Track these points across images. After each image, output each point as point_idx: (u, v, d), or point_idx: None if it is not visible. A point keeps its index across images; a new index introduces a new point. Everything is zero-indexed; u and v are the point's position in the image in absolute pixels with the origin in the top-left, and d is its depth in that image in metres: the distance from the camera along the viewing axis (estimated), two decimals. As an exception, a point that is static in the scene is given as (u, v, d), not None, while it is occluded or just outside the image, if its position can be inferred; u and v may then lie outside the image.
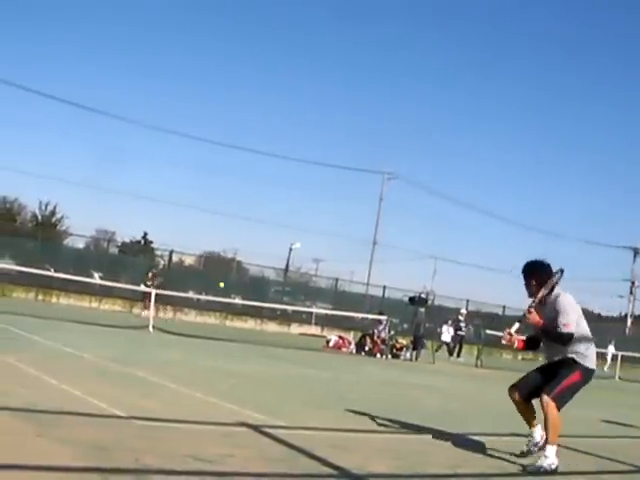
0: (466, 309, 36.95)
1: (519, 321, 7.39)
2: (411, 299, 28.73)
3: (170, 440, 6.20)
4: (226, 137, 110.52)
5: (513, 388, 7.30)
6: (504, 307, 45.55)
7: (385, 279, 74.82)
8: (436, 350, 29.15)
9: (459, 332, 32.18)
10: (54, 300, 33.16)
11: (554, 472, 6.64)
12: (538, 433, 7.19)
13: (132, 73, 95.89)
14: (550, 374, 7.10)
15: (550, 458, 6.68)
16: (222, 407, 8.57)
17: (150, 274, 30.74)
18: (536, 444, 7.15)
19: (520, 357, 41.44)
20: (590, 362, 7.08)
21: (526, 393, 7.20)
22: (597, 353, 7.32)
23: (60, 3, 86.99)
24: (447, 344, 32.17)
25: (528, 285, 7.27)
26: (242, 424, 7.34)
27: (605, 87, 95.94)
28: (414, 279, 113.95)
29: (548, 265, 7.28)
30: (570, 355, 7.01)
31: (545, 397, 6.82)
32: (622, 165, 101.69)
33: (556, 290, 7.14)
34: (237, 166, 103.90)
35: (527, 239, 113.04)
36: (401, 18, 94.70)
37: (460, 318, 32.74)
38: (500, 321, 42.01)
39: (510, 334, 7.32)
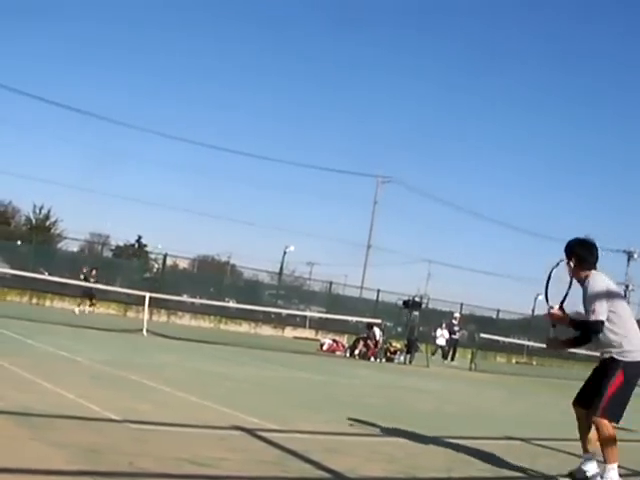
0: (460, 313, 36.96)
1: (553, 326, 6.71)
2: (405, 303, 28.71)
3: (164, 443, 6.19)
4: (220, 140, 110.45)
5: (574, 400, 6.66)
6: (498, 311, 45.58)
7: (379, 282, 74.86)
8: (432, 354, 29.17)
9: (453, 336, 32.24)
10: (48, 303, 33.08)
11: None
12: (591, 465, 6.49)
13: (127, 75, 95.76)
14: (596, 380, 6.46)
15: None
16: (216, 410, 8.56)
17: (94, 271, 30.95)
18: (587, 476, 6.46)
19: (514, 361, 41.52)
20: (633, 354, 6.25)
21: (582, 404, 6.54)
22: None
23: (52, 3, 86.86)
24: (442, 347, 32.24)
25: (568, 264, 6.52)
26: (236, 428, 7.34)
27: (603, 89, 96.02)
28: (408, 282, 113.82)
29: (586, 243, 6.57)
30: (609, 353, 6.33)
31: (592, 417, 6.33)
32: (617, 168, 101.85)
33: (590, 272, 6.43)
34: (231, 169, 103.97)
35: (521, 242, 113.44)
36: (396, 19, 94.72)
37: (454, 322, 32.79)
38: (494, 325, 42.09)
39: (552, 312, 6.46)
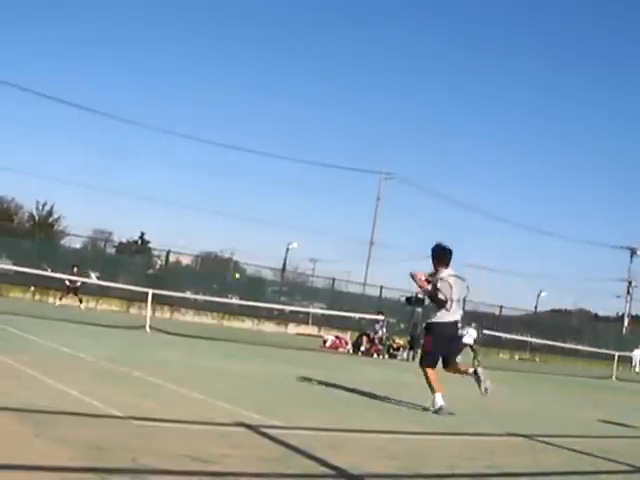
0: (463, 309, 36.82)
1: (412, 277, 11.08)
2: (408, 299, 28.56)
3: (167, 440, 6.19)
4: (223, 137, 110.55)
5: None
6: (501, 307, 45.60)
7: (382, 279, 74.87)
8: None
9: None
10: (51, 300, 33.13)
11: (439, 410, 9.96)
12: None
13: (130, 73, 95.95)
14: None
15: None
16: (219, 407, 8.56)
17: (75, 269, 31.09)
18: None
19: (517, 357, 41.50)
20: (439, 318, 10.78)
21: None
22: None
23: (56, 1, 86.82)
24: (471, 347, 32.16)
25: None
26: (239, 424, 7.33)
27: (604, 88, 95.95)
28: (411, 279, 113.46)
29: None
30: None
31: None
32: (619, 165, 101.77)
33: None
34: (234, 166, 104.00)
35: (524, 239, 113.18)
36: (398, 19, 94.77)
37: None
38: (497, 321, 42.10)
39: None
